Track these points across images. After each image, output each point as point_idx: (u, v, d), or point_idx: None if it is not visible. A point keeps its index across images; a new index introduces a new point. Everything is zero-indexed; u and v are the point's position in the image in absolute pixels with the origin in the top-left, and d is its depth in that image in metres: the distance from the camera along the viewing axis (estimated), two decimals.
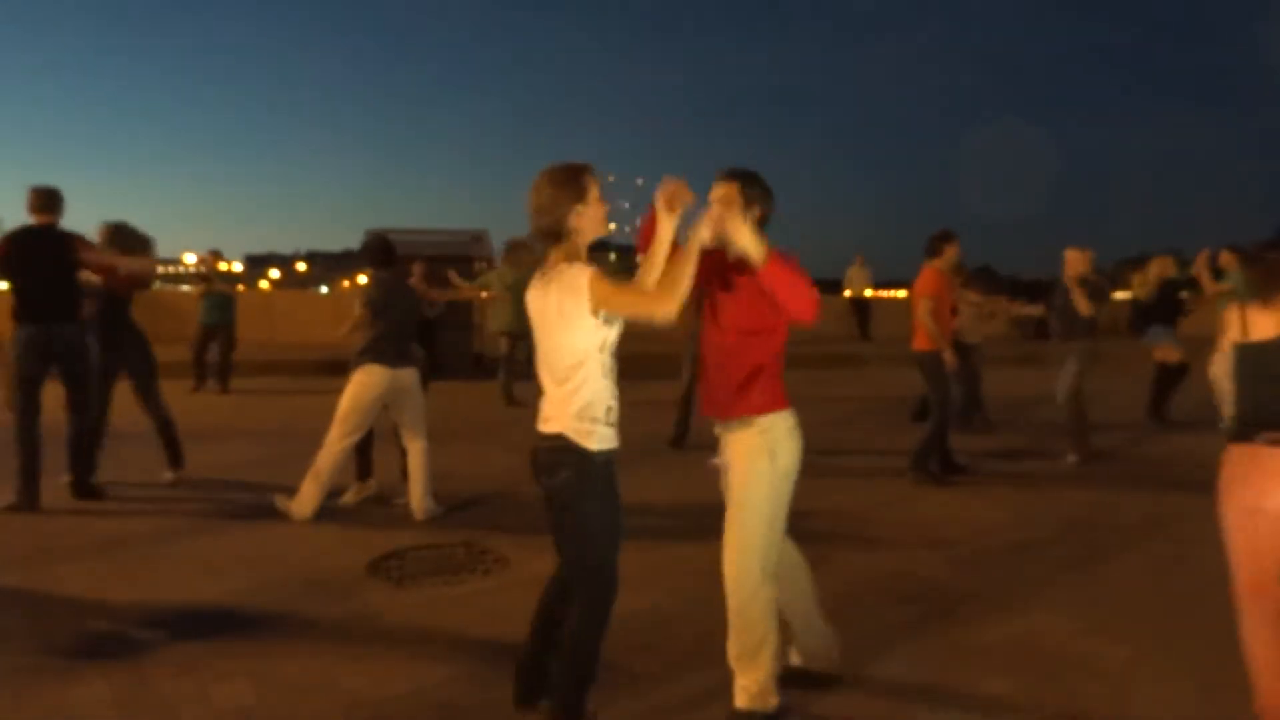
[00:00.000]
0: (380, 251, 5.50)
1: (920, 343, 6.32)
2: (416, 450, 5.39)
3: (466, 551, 4.69)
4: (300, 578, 4.26)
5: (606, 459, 2.60)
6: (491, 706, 3.02)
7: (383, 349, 5.24)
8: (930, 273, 6.36)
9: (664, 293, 2.48)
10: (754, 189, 2.84)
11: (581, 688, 2.66)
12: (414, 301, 5.60)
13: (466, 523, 5.17)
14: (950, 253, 6.40)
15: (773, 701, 2.79)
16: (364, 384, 5.24)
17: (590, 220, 2.57)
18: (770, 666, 2.79)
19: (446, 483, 6.12)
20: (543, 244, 2.62)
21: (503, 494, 5.89)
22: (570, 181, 2.55)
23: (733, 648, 2.82)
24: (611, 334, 2.56)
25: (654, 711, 3.02)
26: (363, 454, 5.75)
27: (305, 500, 5.24)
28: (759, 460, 2.80)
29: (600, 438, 2.57)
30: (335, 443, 5.25)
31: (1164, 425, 8.68)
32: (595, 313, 2.49)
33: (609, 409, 2.59)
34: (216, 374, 10.51)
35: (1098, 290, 6.80)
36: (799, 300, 2.65)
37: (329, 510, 5.37)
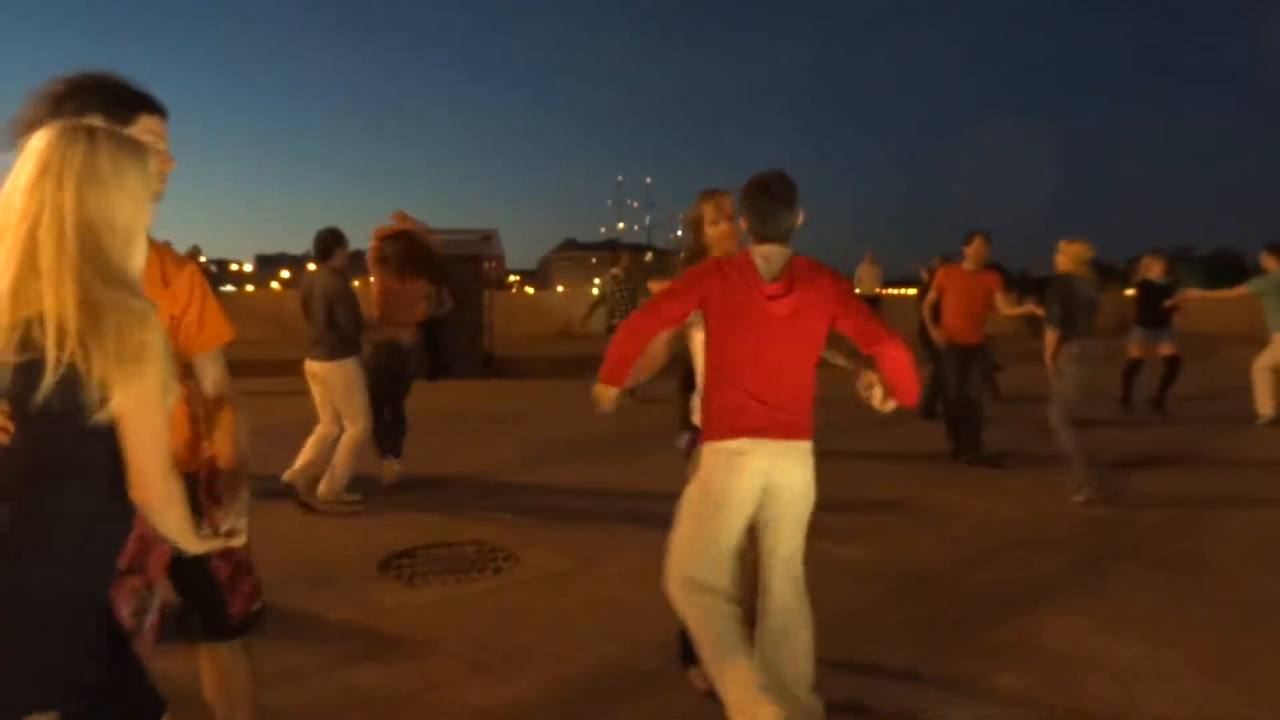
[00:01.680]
0: (316, 244, 5.67)
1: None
2: (343, 437, 5.55)
3: (477, 550, 4.71)
4: (312, 576, 4.29)
5: None
6: (504, 703, 3.04)
7: (309, 338, 5.55)
8: (943, 268, 7.16)
9: None
10: (734, 201, 3.02)
11: None
12: (320, 294, 5.48)
13: (476, 522, 5.19)
14: (968, 251, 6.85)
15: None
16: None
17: (714, 238, 3.08)
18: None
19: (456, 481, 6.16)
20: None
21: (511, 493, 5.91)
22: (699, 204, 3.11)
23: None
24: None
25: (665, 709, 3.04)
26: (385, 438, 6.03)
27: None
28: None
29: None
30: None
31: (1130, 412, 8.98)
32: None
33: None
34: None
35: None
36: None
37: (340, 510, 5.41)
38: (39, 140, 1.48)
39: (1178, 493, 5.93)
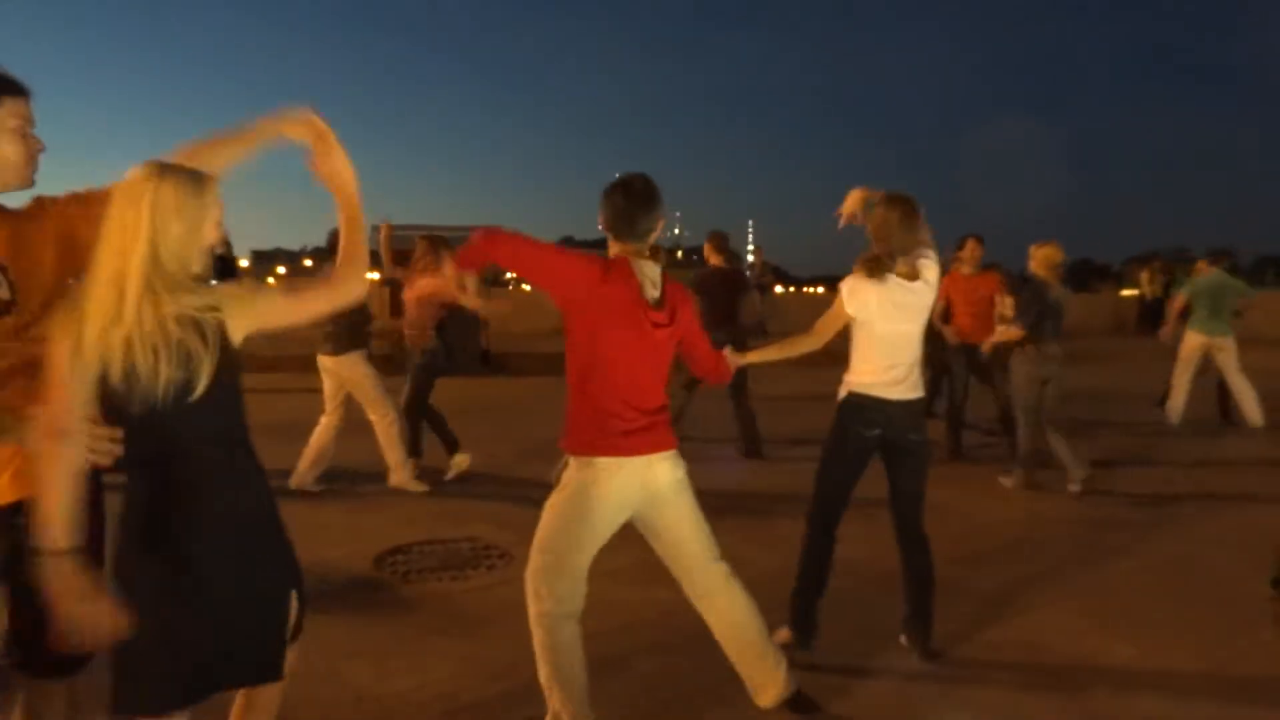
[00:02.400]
0: (330, 240, 5.75)
1: None
2: (376, 431, 5.72)
3: (472, 547, 4.70)
4: (307, 572, 4.22)
5: None
6: (496, 700, 3.03)
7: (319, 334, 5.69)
8: (946, 277, 7.11)
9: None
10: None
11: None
12: None
13: (471, 518, 5.17)
14: (963, 255, 7.02)
15: None
16: None
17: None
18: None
19: (453, 479, 6.13)
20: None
21: (507, 490, 5.89)
22: None
23: None
24: None
25: (663, 706, 3.03)
26: (439, 431, 6.16)
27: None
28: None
29: None
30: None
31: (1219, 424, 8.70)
32: None
33: None
34: None
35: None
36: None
37: (336, 506, 5.40)
38: (127, 176, 1.79)
39: (1176, 493, 5.94)
